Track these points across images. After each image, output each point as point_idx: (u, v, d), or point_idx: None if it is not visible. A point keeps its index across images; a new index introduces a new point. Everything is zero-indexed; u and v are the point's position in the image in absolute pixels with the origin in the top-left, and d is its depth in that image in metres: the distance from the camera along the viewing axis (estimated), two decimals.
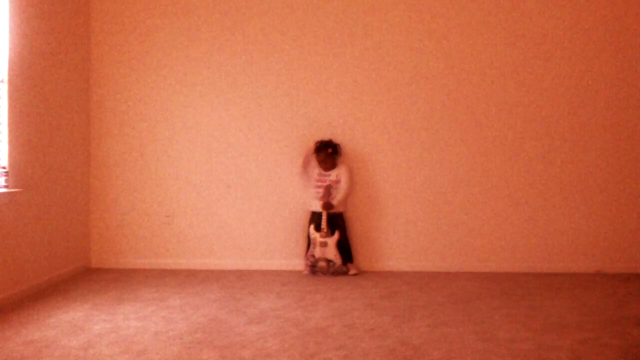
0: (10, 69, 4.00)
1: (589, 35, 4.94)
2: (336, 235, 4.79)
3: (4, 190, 3.90)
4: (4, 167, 3.94)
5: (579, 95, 4.95)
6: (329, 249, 4.76)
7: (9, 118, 3.98)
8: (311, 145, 4.96)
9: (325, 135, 4.99)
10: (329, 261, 4.78)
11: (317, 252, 4.78)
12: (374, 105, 5.05)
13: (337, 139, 5.01)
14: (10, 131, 3.99)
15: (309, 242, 4.89)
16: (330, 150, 4.88)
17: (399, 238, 5.07)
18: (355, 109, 5.05)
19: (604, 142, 4.96)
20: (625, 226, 4.96)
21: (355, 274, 4.84)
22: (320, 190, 4.86)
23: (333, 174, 4.90)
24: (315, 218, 4.88)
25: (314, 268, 4.81)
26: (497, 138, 5.00)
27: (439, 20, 5.00)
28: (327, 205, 4.81)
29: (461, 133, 5.02)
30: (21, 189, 4.07)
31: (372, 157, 5.06)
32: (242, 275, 4.84)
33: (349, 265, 4.91)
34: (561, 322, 3.49)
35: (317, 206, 4.89)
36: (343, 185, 4.88)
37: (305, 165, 4.98)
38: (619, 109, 4.94)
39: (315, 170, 4.97)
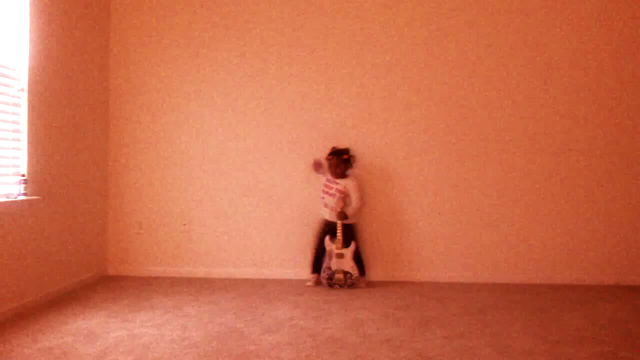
0: (30, 77, 4.05)
1: (602, 52, 4.93)
2: (352, 247, 4.73)
3: (23, 197, 3.94)
4: (23, 175, 3.98)
5: (594, 108, 4.93)
6: (346, 261, 4.70)
7: (29, 126, 4.03)
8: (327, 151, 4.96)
9: (342, 144, 4.99)
10: (346, 273, 4.71)
11: (334, 263, 4.71)
12: (391, 114, 5.04)
13: (354, 147, 4.99)
14: (30, 139, 4.05)
15: (317, 253, 4.87)
16: (345, 156, 4.86)
17: (414, 248, 5.05)
18: (373, 117, 5.05)
19: (622, 153, 4.91)
20: None
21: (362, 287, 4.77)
22: (327, 197, 4.84)
23: (342, 183, 4.84)
24: (327, 227, 4.86)
25: (331, 281, 4.73)
26: (513, 149, 4.97)
27: (456, 27, 5.00)
28: (342, 215, 4.77)
29: (477, 144, 5.00)
30: (40, 197, 4.11)
31: (387, 166, 5.05)
32: (258, 284, 4.85)
33: (360, 278, 4.84)
34: (578, 334, 3.45)
35: (325, 213, 4.87)
36: (354, 199, 4.81)
37: (317, 168, 4.97)
38: (634, 122, 4.91)
39: (324, 177, 4.94)
